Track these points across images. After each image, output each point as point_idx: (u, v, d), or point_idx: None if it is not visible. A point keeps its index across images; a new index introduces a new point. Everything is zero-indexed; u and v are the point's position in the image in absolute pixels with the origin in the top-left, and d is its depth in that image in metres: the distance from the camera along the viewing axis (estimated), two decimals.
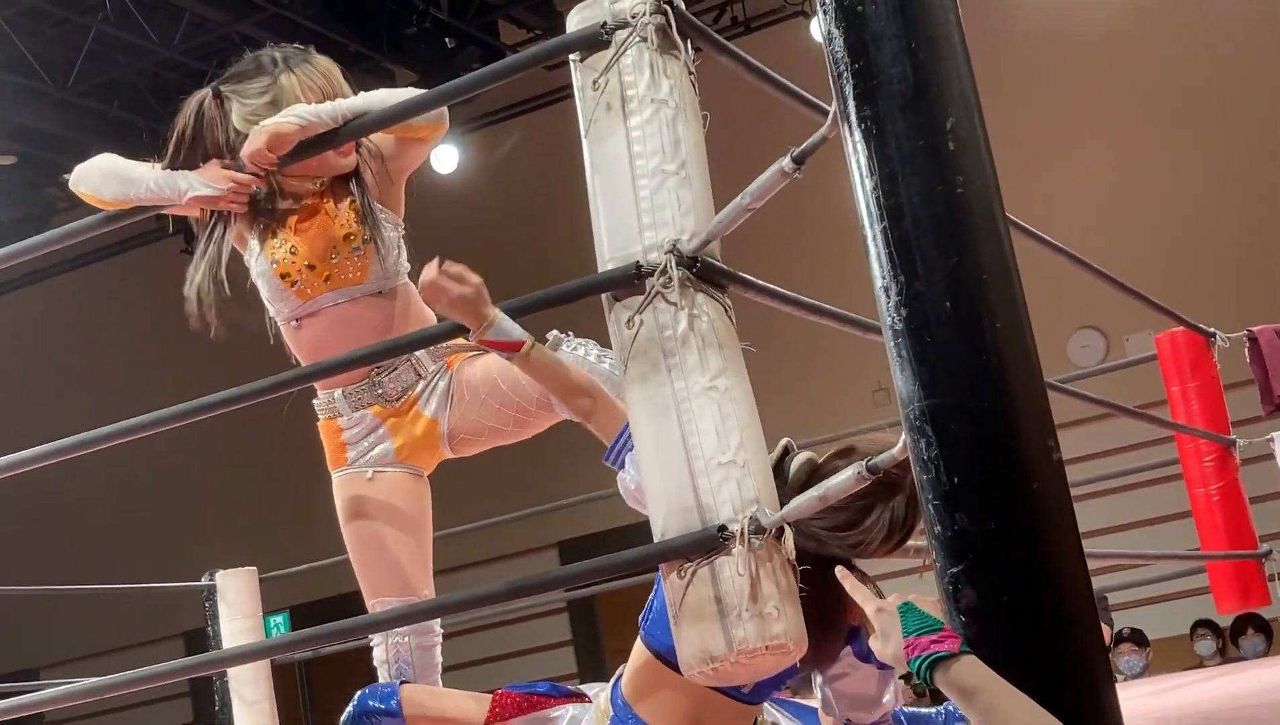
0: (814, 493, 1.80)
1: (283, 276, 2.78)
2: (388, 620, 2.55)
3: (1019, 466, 1.50)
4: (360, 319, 2.80)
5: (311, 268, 2.77)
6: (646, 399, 1.83)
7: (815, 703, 2.39)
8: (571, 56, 1.93)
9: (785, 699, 2.49)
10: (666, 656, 2.09)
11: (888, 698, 2.32)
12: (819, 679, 2.33)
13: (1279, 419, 4.92)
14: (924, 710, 2.57)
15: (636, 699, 2.24)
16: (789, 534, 1.79)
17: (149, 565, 9.08)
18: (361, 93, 2.66)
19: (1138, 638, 7.19)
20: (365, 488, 2.84)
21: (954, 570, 1.51)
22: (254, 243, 2.83)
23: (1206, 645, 7.49)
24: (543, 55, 2.06)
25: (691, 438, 1.79)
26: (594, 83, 1.89)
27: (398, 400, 2.84)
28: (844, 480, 1.78)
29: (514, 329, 2.13)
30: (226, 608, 4.76)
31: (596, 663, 9.72)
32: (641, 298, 1.82)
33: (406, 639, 2.79)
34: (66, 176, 2.74)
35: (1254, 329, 4.84)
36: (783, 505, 1.80)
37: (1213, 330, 4.71)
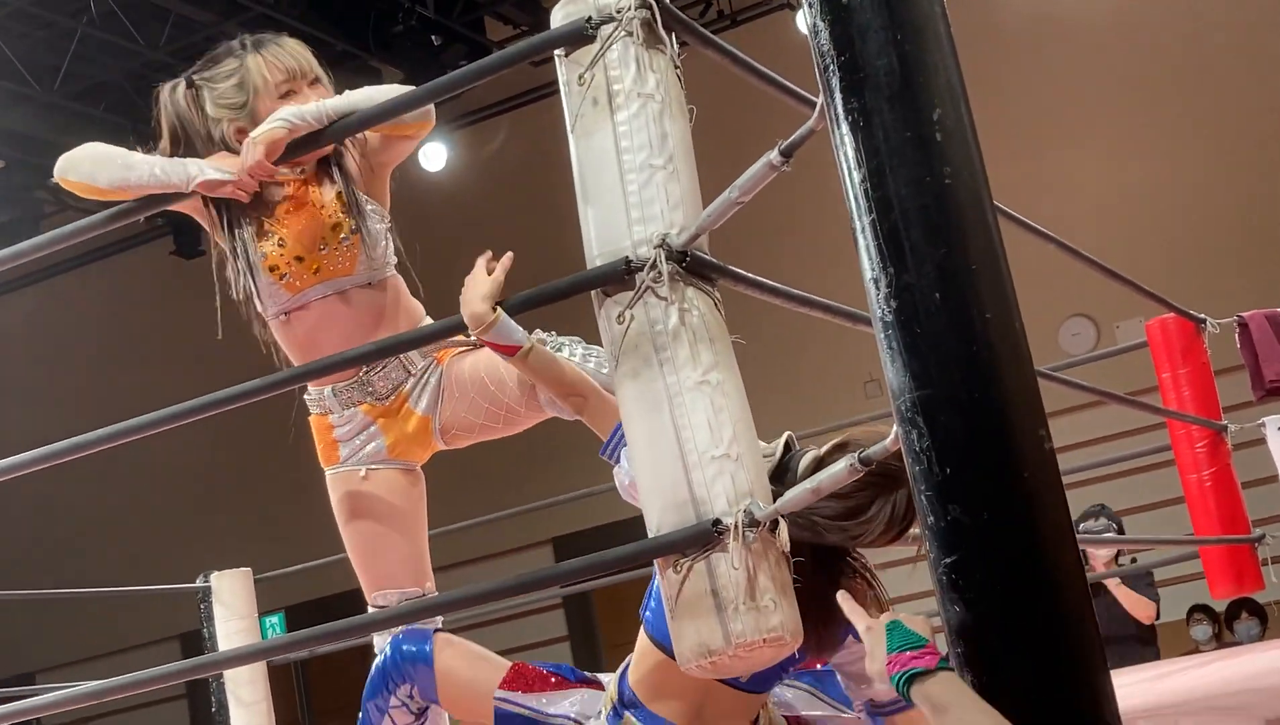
0: (807, 485, 1.81)
1: (271, 269, 2.77)
2: (384, 620, 2.55)
3: (1011, 456, 1.50)
4: (350, 311, 2.79)
5: (300, 260, 2.76)
6: (638, 394, 1.83)
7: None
8: (557, 52, 1.93)
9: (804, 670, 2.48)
10: (668, 648, 2.10)
11: None
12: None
13: (1270, 404, 4.93)
14: None
15: (642, 688, 2.26)
16: (784, 526, 1.79)
17: (144, 568, 9.07)
18: (347, 91, 2.66)
19: None
20: (360, 486, 2.84)
21: (948, 561, 1.51)
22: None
23: (1203, 630, 7.52)
24: (528, 51, 2.06)
25: (684, 432, 1.79)
26: (580, 78, 1.89)
27: (388, 398, 2.84)
28: (837, 472, 1.78)
29: (515, 330, 2.14)
30: (222, 609, 4.75)
31: (593, 658, 9.73)
32: (631, 293, 1.82)
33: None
34: (54, 180, 2.72)
35: (1244, 314, 4.85)
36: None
37: (1202, 316, 4.72)
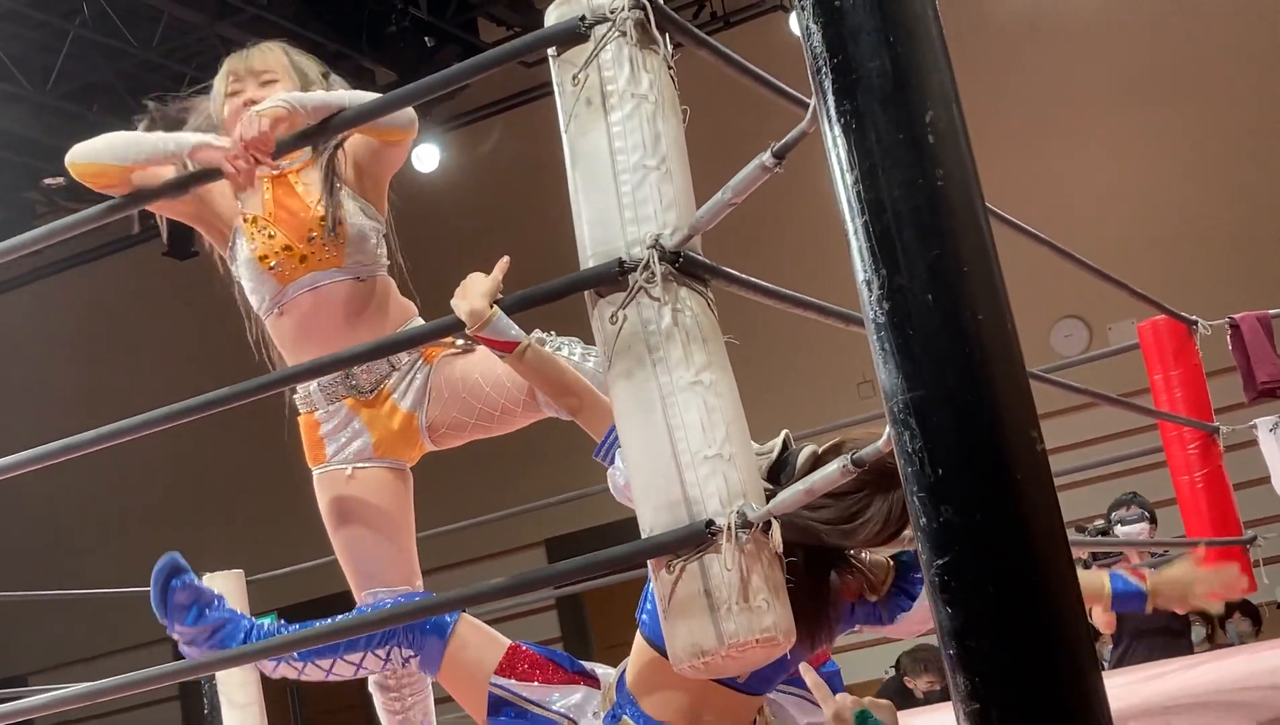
0: (799, 486, 1.81)
1: (261, 259, 2.80)
2: (376, 621, 2.55)
3: (1003, 457, 1.51)
4: (338, 303, 2.81)
5: (289, 250, 2.79)
6: (632, 394, 1.83)
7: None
8: (550, 52, 1.93)
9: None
10: (664, 649, 2.11)
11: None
12: None
13: (1262, 405, 4.94)
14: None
15: (639, 689, 2.27)
16: (776, 527, 1.80)
17: (137, 569, 9.05)
18: (338, 90, 2.68)
19: None
20: (346, 487, 2.85)
21: (940, 562, 1.51)
22: (235, 233, 2.85)
23: (1196, 632, 7.52)
24: (521, 49, 2.06)
25: (677, 432, 1.80)
26: (573, 78, 1.89)
27: (370, 392, 2.85)
28: (829, 473, 1.79)
29: (510, 327, 2.14)
30: None
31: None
32: (625, 293, 1.83)
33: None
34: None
35: (1236, 316, 4.86)
36: None
37: (1194, 318, 4.73)
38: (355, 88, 2.83)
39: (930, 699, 6.44)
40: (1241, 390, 4.88)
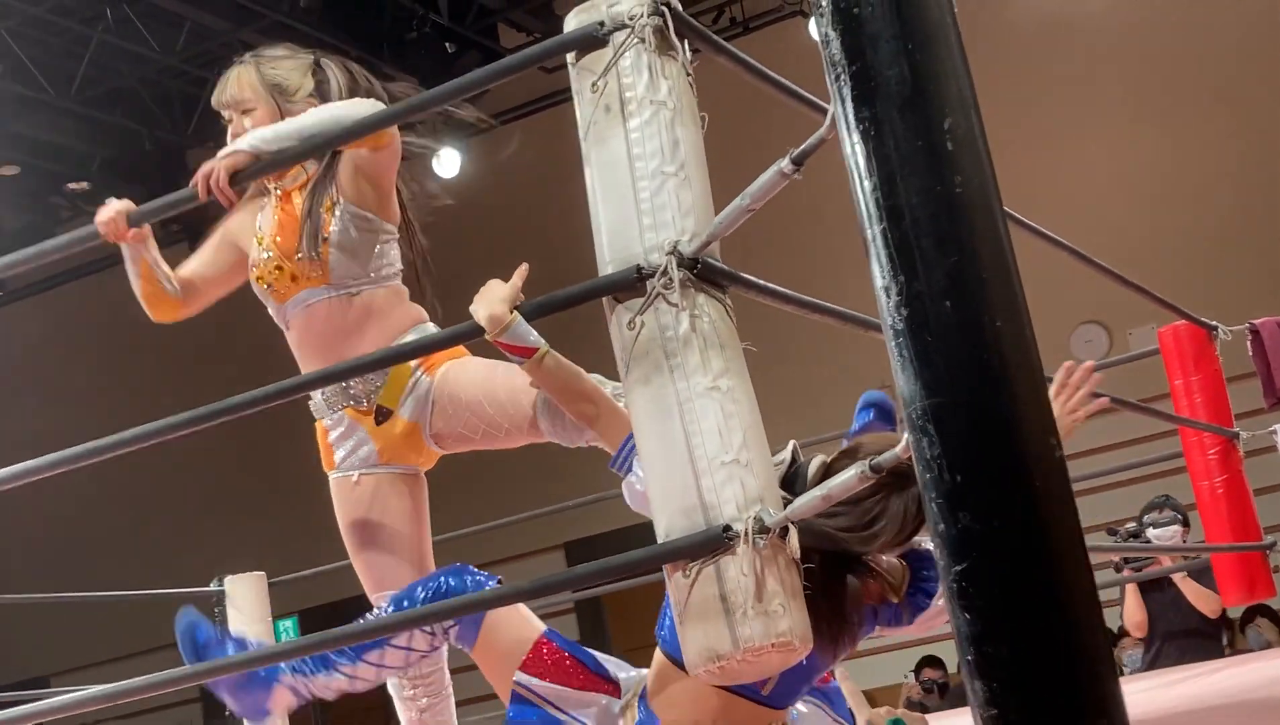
0: (817, 492, 1.81)
1: (258, 280, 2.86)
2: (398, 623, 2.55)
3: (1021, 463, 1.51)
4: (328, 320, 2.83)
5: (280, 268, 2.83)
6: (649, 400, 1.84)
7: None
8: (569, 58, 1.94)
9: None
10: (683, 663, 2.11)
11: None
12: None
13: None
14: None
15: (659, 706, 2.26)
16: (794, 532, 1.80)
17: (158, 571, 9.08)
18: (311, 110, 2.71)
19: None
20: (353, 492, 2.88)
21: (958, 568, 1.52)
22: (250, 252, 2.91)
23: None
24: (540, 55, 2.07)
25: (694, 438, 1.80)
26: (593, 85, 1.90)
27: (365, 401, 2.86)
28: (847, 479, 1.79)
29: (529, 333, 2.13)
30: (236, 613, 4.76)
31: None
32: (643, 299, 1.83)
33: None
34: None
35: (1256, 322, 4.85)
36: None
37: (1214, 323, 4.72)
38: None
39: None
40: (1262, 396, 4.86)
